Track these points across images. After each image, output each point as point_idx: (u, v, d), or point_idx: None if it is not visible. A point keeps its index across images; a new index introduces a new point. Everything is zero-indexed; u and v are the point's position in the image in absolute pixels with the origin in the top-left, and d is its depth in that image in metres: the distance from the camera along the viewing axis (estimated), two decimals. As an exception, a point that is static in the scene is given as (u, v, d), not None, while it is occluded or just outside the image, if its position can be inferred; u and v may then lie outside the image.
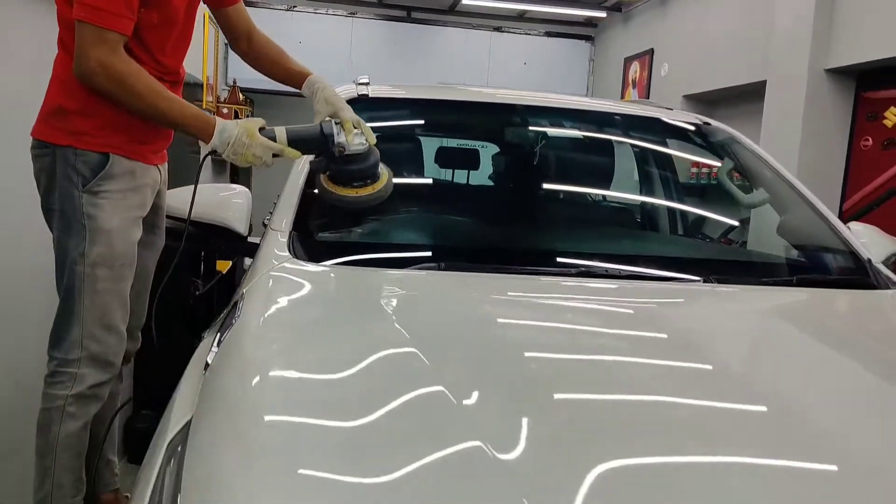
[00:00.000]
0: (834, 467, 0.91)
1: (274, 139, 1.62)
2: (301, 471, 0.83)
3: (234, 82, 7.22)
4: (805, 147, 4.26)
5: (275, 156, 1.62)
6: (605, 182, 2.40)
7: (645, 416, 1.00)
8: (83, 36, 1.56)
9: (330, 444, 0.89)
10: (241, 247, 1.89)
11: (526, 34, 8.47)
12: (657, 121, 2.42)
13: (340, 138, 1.63)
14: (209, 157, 1.68)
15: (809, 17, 4.25)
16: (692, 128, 2.38)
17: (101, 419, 1.78)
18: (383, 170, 1.72)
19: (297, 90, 1.87)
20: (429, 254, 1.70)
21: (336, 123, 1.67)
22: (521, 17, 8.35)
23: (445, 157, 2.61)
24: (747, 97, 5.37)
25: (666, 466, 0.89)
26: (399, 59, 8.09)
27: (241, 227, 1.84)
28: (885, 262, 2.06)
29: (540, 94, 2.46)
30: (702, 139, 2.44)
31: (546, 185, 2.34)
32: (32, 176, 1.74)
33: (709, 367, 1.21)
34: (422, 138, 2.35)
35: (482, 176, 2.53)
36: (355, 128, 1.66)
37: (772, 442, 0.95)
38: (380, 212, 1.94)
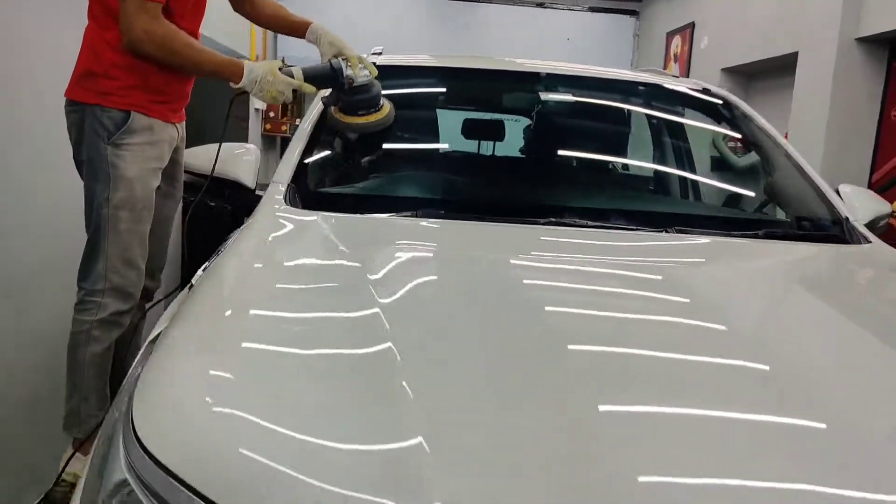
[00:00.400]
0: (823, 425, 0.92)
1: (292, 77, 1.88)
2: (238, 376, 0.95)
3: (283, 60, 7.49)
4: (834, 118, 4.23)
5: (294, 92, 1.88)
6: (596, 142, 2.49)
7: (586, 364, 1.04)
8: (127, 9, 1.79)
9: (276, 359, 1.01)
10: (248, 198, 2.08)
11: (569, 9, 8.47)
12: (659, 86, 2.51)
13: (348, 72, 1.89)
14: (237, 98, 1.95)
15: (841, -15, 4.20)
16: (692, 93, 2.47)
17: (123, 346, 2.01)
18: (384, 101, 1.96)
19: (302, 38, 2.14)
20: (412, 204, 1.84)
21: (343, 60, 1.91)
22: (564, -8, 8.36)
23: (450, 121, 2.75)
24: (784, 70, 5.31)
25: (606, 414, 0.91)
26: (443, 36, 8.20)
27: (250, 182, 2.03)
28: (873, 222, 2.12)
29: (544, 62, 2.57)
30: (701, 103, 2.53)
31: (540, 147, 2.47)
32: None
33: (673, 312, 1.27)
34: (425, 101, 2.49)
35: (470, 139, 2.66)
36: (360, 63, 1.91)
37: (747, 391, 0.98)
38: (372, 170, 2.13)
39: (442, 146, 2.48)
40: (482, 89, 2.53)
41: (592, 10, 8.48)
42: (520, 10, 8.37)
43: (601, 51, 8.28)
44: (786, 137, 4.65)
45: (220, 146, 1.96)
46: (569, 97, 2.47)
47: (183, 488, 0.79)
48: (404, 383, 0.91)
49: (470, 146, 2.69)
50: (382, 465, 0.79)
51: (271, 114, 7.99)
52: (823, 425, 0.91)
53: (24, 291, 2.21)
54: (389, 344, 1.01)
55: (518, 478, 0.78)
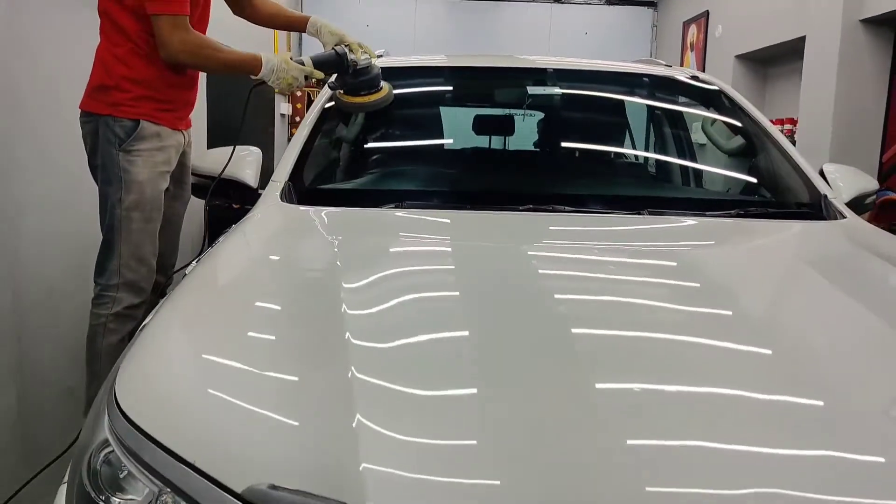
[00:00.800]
0: (820, 402, 0.97)
1: (303, 64, 2.08)
2: (207, 354, 1.08)
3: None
4: (841, 100, 4.23)
5: (306, 78, 2.08)
6: (584, 133, 2.58)
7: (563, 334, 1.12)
8: (162, 26, 1.98)
9: (245, 341, 1.13)
10: (251, 197, 2.22)
11: (587, 3, 8.47)
12: (649, 75, 2.59)
13: (352, 56, 2.09)
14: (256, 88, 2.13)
15: (842, -35, 4.20)
16: (683, 80, 2.55)
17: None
18: (384, 83, 2.16)
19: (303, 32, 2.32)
20: (399, 197, 1.93)
21: (345, 46, 2.11)
22: (581, -14, 8.36)
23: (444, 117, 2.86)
24: (795, 55, 5.30)
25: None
26: (462, 37, 8.26)
27: (252, 181, 2.18)
28: (858, 198, 2.18)
29: (538, 57, 2.66)
30: (692, 89, 2.60)
31: (528, 139, 2.56)
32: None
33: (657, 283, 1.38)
34: (419, 99, 2.60)
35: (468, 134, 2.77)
36: (360, 47, 2.10)
37: (729, 359, 1.06)
38: (366, 168, 2.26)
39: (427, 142, 2.59)
40: (482, 85, 2.63)
41: (610, 2, 8.48)
42: (537, 6, 8.41)
43: (620, 44, 8.25)
44: (796, 122, 4.66)
45: (234, 148, 2.11)
46: (558, 90, 2.55)
47: (154, 445, 0.92)
48: (351, 363, 1.01)
49: (462, 143, 2.79)
50: (323, 434, 0.89)
51: (297, 118, 8.18)
52: (820, 401, 0.97)
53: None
54: (347, 331, 1.09)
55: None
